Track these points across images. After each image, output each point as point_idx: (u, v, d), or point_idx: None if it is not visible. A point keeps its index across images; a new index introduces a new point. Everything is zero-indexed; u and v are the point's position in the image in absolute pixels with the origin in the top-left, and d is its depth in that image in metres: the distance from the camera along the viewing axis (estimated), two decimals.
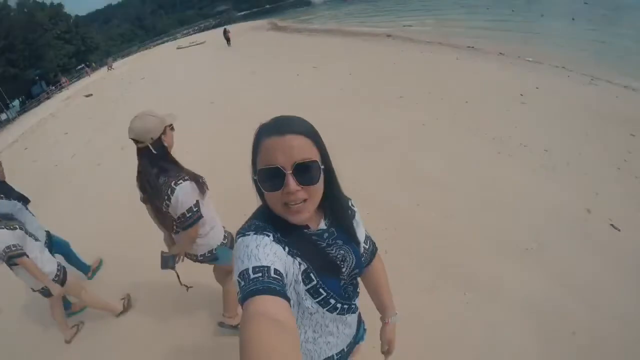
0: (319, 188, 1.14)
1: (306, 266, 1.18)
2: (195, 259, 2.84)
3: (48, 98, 35.14)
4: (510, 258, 3.78)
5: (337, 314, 1.32)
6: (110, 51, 77.06)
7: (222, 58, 22.96)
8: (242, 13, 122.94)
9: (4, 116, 36.15)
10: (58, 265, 3.46)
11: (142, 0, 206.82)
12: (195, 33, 67.04)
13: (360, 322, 1.66)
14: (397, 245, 4.02)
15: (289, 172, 1.06)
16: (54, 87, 41.04)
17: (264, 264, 1.01)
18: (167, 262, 2.79)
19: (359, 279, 1.46)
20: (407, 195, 5.00)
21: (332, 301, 1.27)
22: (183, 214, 2.43)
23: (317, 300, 1.23)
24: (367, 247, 1.56)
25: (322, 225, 1.30)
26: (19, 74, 46.12)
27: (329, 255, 1.28)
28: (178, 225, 2.51)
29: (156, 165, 2.41)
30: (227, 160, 6.22)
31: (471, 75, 10.61)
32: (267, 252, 1.05)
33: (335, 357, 1.45)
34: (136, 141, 2.37)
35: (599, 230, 4.09)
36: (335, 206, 1.31)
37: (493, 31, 21.49)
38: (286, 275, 1.09)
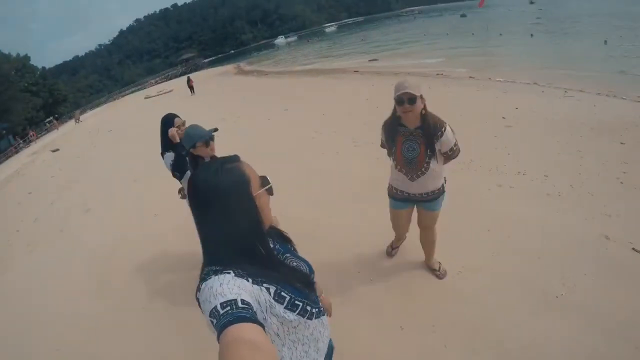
0: None
1: (275, 287, 1.21)
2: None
3: (17, 152, 33.66)
4: (543, 311, 3.22)
5: (315, 318, 1.36)
6: (79, 103, 75.89)
7: (190, 107, 22.06)
8: (208, 60, 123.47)
9: None
10: None
11: (109, 50, 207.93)
12: (163, 81, 66.44)
13: None
14: (418, 321, 3.40)
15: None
16: (22, 141, 39.37)
17: (230, 297, 1.03)
18: None
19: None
20: (415, 249, 4.18)
21: (309, 308, 1.30)
22: (452, 149, 3.06)
23: (297, 312, 1.26)
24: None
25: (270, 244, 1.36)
26: None
27: (292, 267, 1.41)
28: (446, 158, 3.13)
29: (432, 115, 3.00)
30: None
31: (448, 103, 10.13)
32: (231, 287, 1.07)
33: None
34: (413, 97, 2.78)
35: (622, 257, 3.67)
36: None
37: (459, 56, 21.76)
38: (258, 303, 1.13)
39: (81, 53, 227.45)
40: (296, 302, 1.25)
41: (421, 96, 2.81)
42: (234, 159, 1.26)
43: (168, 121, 4.01)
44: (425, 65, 18.99)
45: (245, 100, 18.64)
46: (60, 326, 4.53)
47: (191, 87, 28.52)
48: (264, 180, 1.28)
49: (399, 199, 3.42)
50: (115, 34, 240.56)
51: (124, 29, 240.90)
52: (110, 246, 6.27)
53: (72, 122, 39.60)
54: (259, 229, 1.23)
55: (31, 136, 38.98)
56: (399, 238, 4.11)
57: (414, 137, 2.99)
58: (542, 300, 3.32)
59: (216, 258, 1.19)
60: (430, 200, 3.26)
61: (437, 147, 2.97)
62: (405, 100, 2.79)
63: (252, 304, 1.06)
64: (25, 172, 18.07)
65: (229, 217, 1.17)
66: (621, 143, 6.23)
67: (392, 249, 4.24)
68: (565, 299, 3.28)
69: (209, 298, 1.05)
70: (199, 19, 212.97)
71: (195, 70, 76.66)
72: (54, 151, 21.00)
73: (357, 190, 5.92)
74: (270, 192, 1.30)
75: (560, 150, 6.28)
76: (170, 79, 68.55)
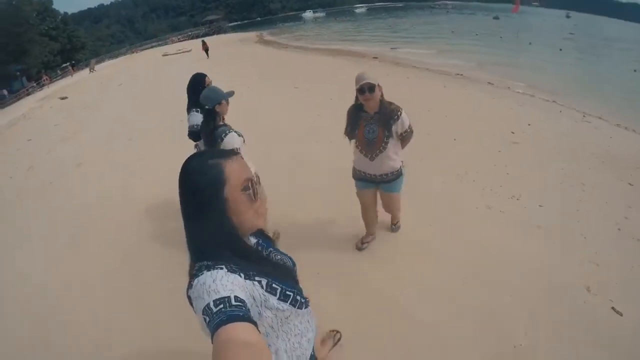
0: None
1: (267, 280, 1.22)
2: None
3: (28, 94, 33.86)
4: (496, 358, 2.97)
5: (305, 308, 1.39)
6: (99, 51, 75.56)
7: (202, 70, 21.76)
8: (233, 24, 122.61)
9: None
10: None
11: (135, 2, 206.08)
12: (185, 40, 66.03)
13: None
14: (360, 343, 3.18)
15: (256, 181, 1.29)
16: (35, 84, 39.30)
17: (224, 294, 1.02)
18: None
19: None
20: (383, 264, 4.09)
21: (298, 298, 1.33)
22: (405, 131, 3.40)
23: (289, 302, 1.28)
24: None
25: (252, 240, 1.41)
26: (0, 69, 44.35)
27: (277, 261, 1.45)
28: (402, 140, 3.49)
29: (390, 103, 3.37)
30: None
31: (459, 108, 9.89)
32: (224, 283, 1.06)
33: (313, 353, 1.55)
34: (372, 86, 3.18)
35: (600, 315, 3.35)
36: None
37: (482, 59, 21.53)
38: (253, 298, 1.15)
39: (107, 2, 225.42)
40: (287, 292, 1.27)
41: (378, 85, 3.21)
42: (225, 154, 1.25)
43: (200, 79, 4.31)
44: (445, 65, 18.63)
45: (259, 71, 18.33)
46: (33, 286, 4.54)
47: (206, 50, 28.41)
48: (246, 185, 1.24)
49: (362, 180, 3.80)
50: None
51: None
52: (94, 206, 6.30)
53: (86, 71, 39.48)
54: (229, 231, 1.21)
55: (44, 80, 39.00)
56: (369, 231, 4.35)
57: (373, 121, 3.37)
58: (499, 344, 3.08)
59: (201, 252, 1.20)
60: (388, 182, 3.62)
61: (394, 129, 3.34)
62: (366, 89, 3.19)
63: (247, 300, 1.07)
64: (31, 117, 18.24)
65: (199, 215, 1.19)
66: (629, 184, 5.88)
67: (362, 244, 4.37)
68: (525, 350, 3.02)
69: (201, 294, 1.05)
70: None
71: (218, 33, 76.23)
72: (62, 99, 21.04)
73: (336, 183, 5.57)
74: (250, 198, 1.25)
75: (563, 179, 5.94)
76: (193, 38, 68.04)
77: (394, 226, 4.42)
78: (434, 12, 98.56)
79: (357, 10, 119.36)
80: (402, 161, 3.62)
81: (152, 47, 64.20)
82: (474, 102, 10.69)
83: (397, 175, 3.59)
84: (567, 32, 45.59)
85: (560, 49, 27.73)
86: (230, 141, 3.28)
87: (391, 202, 3.88)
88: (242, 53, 29.92)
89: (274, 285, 1.24)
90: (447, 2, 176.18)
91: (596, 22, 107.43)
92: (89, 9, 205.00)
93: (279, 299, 1.24)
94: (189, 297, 1.13)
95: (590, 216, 4.90)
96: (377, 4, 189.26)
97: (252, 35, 54.85)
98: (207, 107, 3.36)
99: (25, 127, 15.66)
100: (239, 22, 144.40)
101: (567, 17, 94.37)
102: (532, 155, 6.77)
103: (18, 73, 45.11)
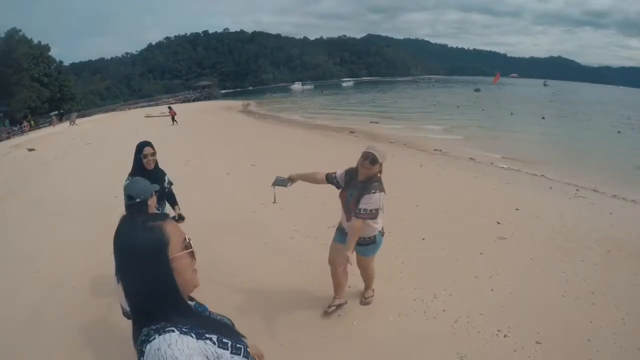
0: None
1: (217, 336, 1.18)
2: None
3: (8, 138, 33.07)
4: None
5: None
6: (90, 104, 75.60)
7: (170, 137, 20.68)
8: (225, 91, 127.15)
9: None
10: None
11: (134, 60, 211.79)
12: (175, 102, 66.18)
13: None
14: None
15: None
16: (16, 129, 38.28)
17: None
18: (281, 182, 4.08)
19: None
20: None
21: (248, 350, 1.28)
22: (365, 209, 3.33)
23: (242, 354, 1.23)
24: None
25: (190, 302, 1.30)
26: None
27: (219, 320, 1.37)
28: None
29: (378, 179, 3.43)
30: None
31: (434, 192, 8.64)
32: (180, 348, 1.01)
33: None
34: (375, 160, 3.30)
35: None
36: None
37: (464, 132, 21.47)
38: (207, 357, 1.09)
39: (108, 57, 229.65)
40: (237, 345, 1.23)
41: (381, 163, 3.34)
42: (160, 217, 1.21)
43: (139, 148, 3.96)
44: (425, 139, 18.23)
45: (224, 143, 17.38)
46: None
47: (172, 117, 27.82)
48: (187, 244, 1.20)
49: (339, 231, 3.83)
50: (144, 46, 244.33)
51: (153, 43, 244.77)
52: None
53: (66, 124, 38.54)
54: (173, 291, 1.14)
55: (24, 127, 38.00)
56: (337, 294, 4.06)
57: (357, 188, 3.42)
58: None
59: (147, 314, 1.12)
60: (359, 245, 3.51)
61: (362, 202, 3.29)
62: (369, 158, 3.29)
63: None
64: None
65: (143, 276, 1.12)
66: None
67: (328, 308, 4.08)
68: None
69: None
70: (225, 50, 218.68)
71: (209, 98, 76.92)
72: (30, 150, 20.09)
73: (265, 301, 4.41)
74: (191, 255, 1.22)
75: (566, 289, 4.50)
76: (183, 102, 68.46)
77: (364, 299, 4.23)
78: (419, 86, 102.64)
79: (344, 84, 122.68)
80: (380, 230, 3.61)
81: (142, 106, 64.24)
82: (452, 184, 9.60)
83: (370, 242, 3.59)
84: (547, 100, 47.29)
85: (543, 117, 28.04)
86: None
87: (362, 266, 3.88)
88: (219, 123, 29.17)
89: (224, 340, 1.19)
90: (431, 76, 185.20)
91: (572, 87, 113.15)
92: (90, 60, 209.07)
93: (231, 352, 1.18)
94: None
95: (606, 347, 3.51)
96: (364, 78, 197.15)
97: (238, 104, 55.18)
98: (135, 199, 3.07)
99: None
100: (231, 90, 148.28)
101: (545, 85, 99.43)
102: (523, 255, 5.38)
103: (1, 114, 44.10)
